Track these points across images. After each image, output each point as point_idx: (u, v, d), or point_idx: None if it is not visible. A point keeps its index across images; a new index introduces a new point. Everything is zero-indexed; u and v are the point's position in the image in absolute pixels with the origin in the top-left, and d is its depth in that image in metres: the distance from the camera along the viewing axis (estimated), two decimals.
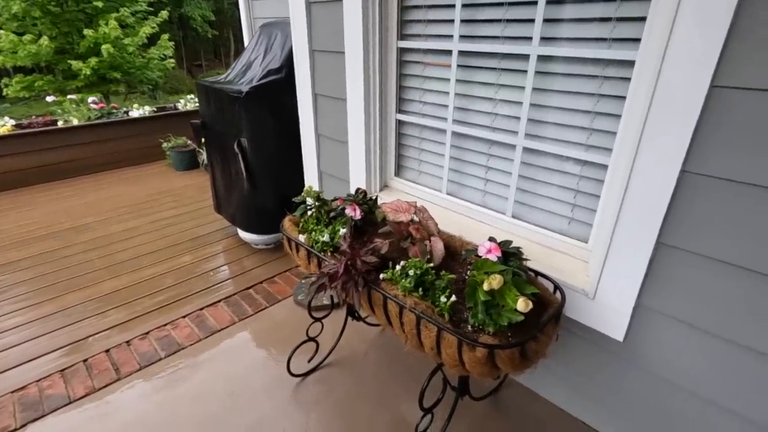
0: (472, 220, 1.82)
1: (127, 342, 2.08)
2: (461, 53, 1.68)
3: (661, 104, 1.10)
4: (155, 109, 5.16)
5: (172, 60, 9.99)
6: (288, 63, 2.47)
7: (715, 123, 1.03)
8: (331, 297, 1.95)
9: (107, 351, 2.03)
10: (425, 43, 1.79)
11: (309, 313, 1.78)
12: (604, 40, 1.32)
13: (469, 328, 1.18)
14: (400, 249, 1.52)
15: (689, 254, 1.17)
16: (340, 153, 2.25)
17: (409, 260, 1.40)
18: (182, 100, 5.36)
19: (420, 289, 1.27)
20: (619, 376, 1.45)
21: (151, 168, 4.84)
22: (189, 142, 4.74)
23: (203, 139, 2.98)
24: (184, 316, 2.26)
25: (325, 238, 1.54)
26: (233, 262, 2.81)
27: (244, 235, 2.95)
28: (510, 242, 1.33)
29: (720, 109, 1.02)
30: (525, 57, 1.50)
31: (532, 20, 1.44)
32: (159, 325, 2.19)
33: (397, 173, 2.17)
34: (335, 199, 1.89)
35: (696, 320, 1.20)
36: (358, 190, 1.75)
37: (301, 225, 1.69)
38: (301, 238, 1.61)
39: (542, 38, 1.43)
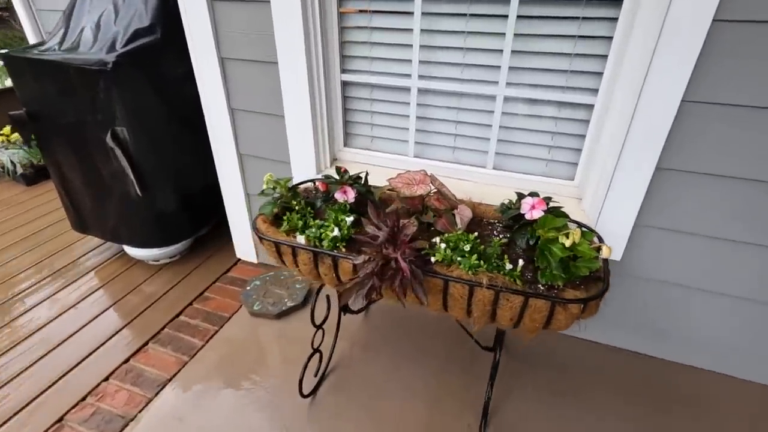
0: (450, 179, 1.76)
1: None
2: None
3: (668, 40, 1.18)
4: None
5: None
6: (161, 19, 1.87)
7: (715, 54, 1.17)
8: (327, 296, 1.65)
9: None
10: None
11: (312, 322, 1.51)
12: None
13: (541, 287, 1.16)
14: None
15: (683, 173, 1.35)
16: (272, 129, 1.87)
17: (445, 235, 1.28)
18: None
19: (481, 262, 1.18)
20: (615, 289, 1.66)
21: None
22: None
23: (33, 137, 2.10)
24: (105, 379, 1.67)
25: (336, 232, 1.28)
26: (132, 291, 2.16)
27: (136, 252, 2.28)
28: (537, 194, 1.32)
29: (720, 41, 1.15)
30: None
31: None
32: (74, 403, 1.57)
33: (345, 143, 1.93)
34: (300, 183, 1.59)
35: (688, 226, 1.43)
36: (339, 169, 1.49)
37: (285, 224, 1.36)
38: (300, 239, 1.31)
39: None
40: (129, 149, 1.90)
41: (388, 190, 1.48)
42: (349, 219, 1.34)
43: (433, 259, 1.20)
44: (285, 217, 1.38)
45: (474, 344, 1.75)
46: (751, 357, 1.59)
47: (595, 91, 1.45)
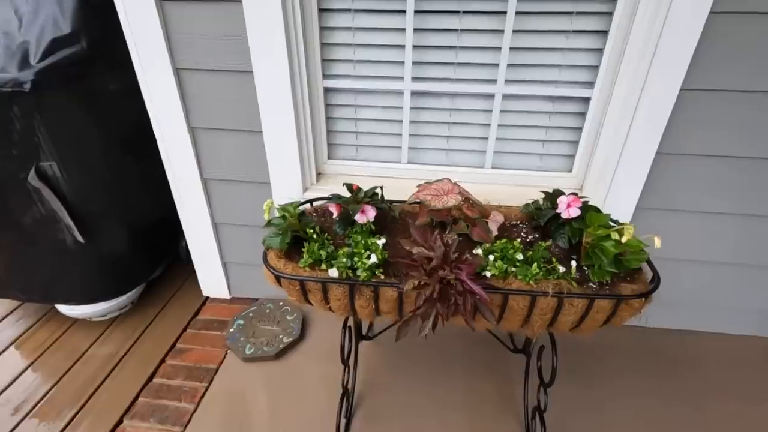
0: None
1: None
2: None
3: (671, 32, 1.24)
4: None
5: None
6: (85, 25, 1.51)
7: (710, 44, 1.25)
8: (349, 328, 1.48)
9: None
10: None
11: (342, 360, 1.34)
12: None
13: (593, 286, 1.15)
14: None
15: (678, 156, 1.45)
16: (244, 147, 1.63)
17: (485, 245, 1.22)
18: None
19: (540, 270, 1.13)
20: None
21: None
22: None
23: None
24: None
25: (373, 259, 1.14)
26: (81, 359, 1.76)
27: (75, 310, 1.86)
28: (562, 191, 1.32)
29: (715, 32, 1.24)
30: None
31: None
32: None
33: (330, 155, 1.76)
34: (303, 204, 1.41)
35: (681, 204, 1.54)
36: (351, 186, 1.34)
37: (306, 257, 1.18)
38: (333, 272, 1.14)
39: None
40: (61, 188, 1.53)
41: (412, 203, 1.38)
42: (381, 242, 1.21)
43: (488, 274, 1.12)
44: (304, 249, 1.20)
45: (495, 346, 1.71)
46: (735, 313, 1.78)
47: (591, 84, 1.48)
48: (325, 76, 1.59)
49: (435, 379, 1.64)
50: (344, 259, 1.16)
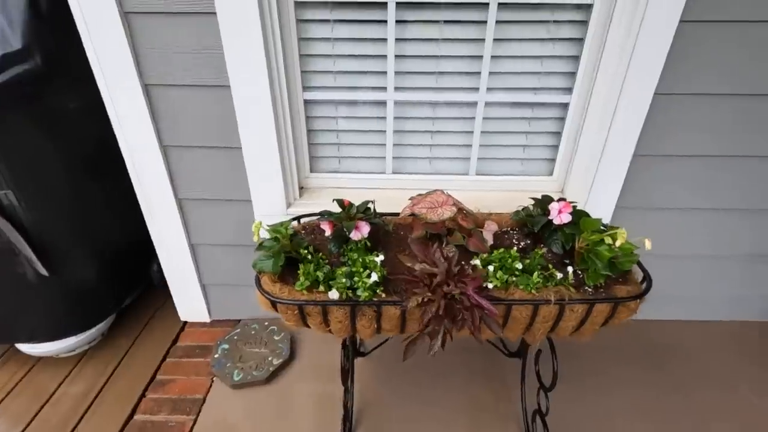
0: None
1: None
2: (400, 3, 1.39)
3: (645, 39, 1.29)
4: None
5: None
6: (38, 39, 1.38)
7: (680, 50, 1.31)
8: (347, 346, 1.44)
9: None
10: None
11: (343, 382, 1.30)
12: None
13: (590, 290, 1.18)
14: None
15: (654, 157, 1.52)
16: (222, 164, 1.56)
17: (482, 256, 1.22)
18: None
19: (541, 279, 1.14)
20: None
21: None
22: None
23: None
24: None
25: (374, 278, 1.11)
26: (50, 401, 1.62)
27: (39, 348, 1.70)
28: (550, 197, 1.34)
29: (684, 39, 1.30)
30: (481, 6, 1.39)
31: None
32: None
33: (312, 168, 1.71)
34: (291, 221, 1.36)
35: (658, 202, 1.61)
36: (342, 202, 1.30)
37: (302, 280, 1.14)
38: (333, 294, 1.10)
39: None
40: (19, 218, 1.40)
41: (406, 216, 1.36)
42: (379, 259, 1.18)
43: (490, 285, 1.12)
44: (300, 271, 1.15)
45: (489, 351, 1.73)
46: (712, 301, 1.89)
47: (570, 90, 1.52)
48: (305, 88, 1.54)
49: (430, 389, 1.63)
50: (343, 280, 1.12)
